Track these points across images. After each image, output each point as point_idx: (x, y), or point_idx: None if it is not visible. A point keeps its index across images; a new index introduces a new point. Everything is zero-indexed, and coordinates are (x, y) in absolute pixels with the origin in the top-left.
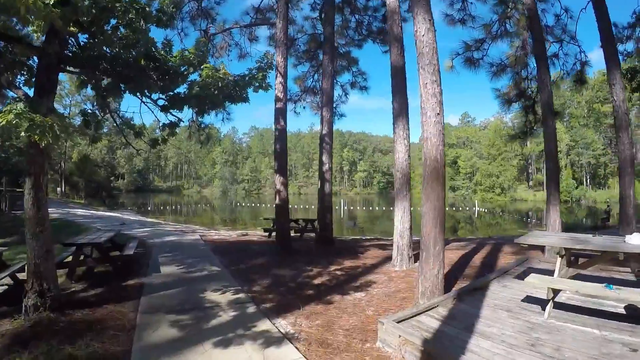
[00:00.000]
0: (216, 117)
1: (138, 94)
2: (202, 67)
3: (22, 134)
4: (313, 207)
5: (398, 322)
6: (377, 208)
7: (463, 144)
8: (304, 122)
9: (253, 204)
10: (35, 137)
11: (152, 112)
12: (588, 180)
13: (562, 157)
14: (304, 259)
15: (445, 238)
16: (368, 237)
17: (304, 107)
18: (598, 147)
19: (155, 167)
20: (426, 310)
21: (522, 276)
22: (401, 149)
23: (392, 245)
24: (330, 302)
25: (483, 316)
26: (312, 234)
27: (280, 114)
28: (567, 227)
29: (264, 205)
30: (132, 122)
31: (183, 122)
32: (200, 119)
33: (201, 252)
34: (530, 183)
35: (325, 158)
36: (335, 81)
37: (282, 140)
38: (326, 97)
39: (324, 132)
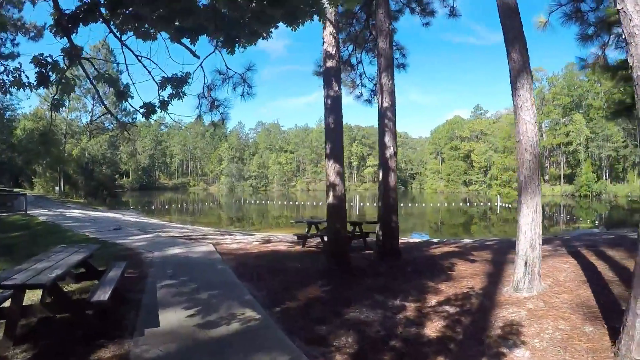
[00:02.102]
0: (234, 92)
1: None
2: None
3: None
4: (321, 203)
5: None
6: (402, 204)
7: (476, 137)
8: (311, 116)
9: (261, 202)
10: None
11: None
12: (607, 174)
13: (581, 150)
14: (376, 284)
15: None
16: (419, 241)
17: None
18: (618, 140)
19: (161, 164)
20: None
21: None
22: (529, 118)
23: (470, 252)
24: None
25: None
26: (354, 241)
27: (332, 76)
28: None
29: (271, 202)
30: (113, 77)
31: (188, 93)
32: (212, 97)
33: (220, 277)
34: (546, 177)
35: (388, 140)
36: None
37: (336, 111)
38: (385, 60)
39: (384, 105)
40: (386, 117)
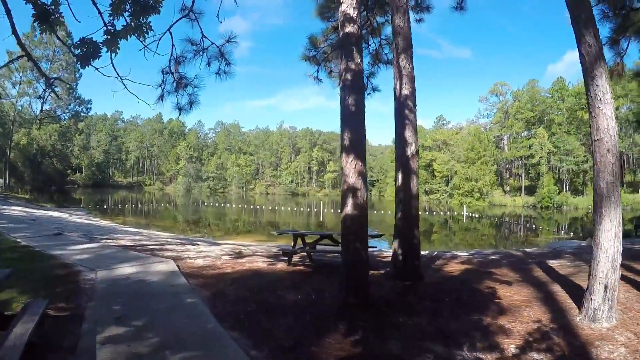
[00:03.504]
0: (208, 69)
1: None
2: None
3: None
4: (283, 208)
5: None
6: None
7: (438, 147)
8: (272, 118)
9: (219, 204)
10: None
11: None
12: (567, 187)
13: (543, 163)
14: (419, 326)
15: None
16: (427, 252)
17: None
18: (579, 154)
19: (116, 160)
20: None
21: None
22: (609, 113)
23: (488, 270)
24: None
25: None
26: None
27: (352, 45)
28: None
29: (230, 205)
30: None
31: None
32: (180, 73)
33: (193, 320)
34: (507, 188)
35: (409, 135)
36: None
37: (357, 90)
38: (403, 40)
39: (404, 92)
40: (406, 107)
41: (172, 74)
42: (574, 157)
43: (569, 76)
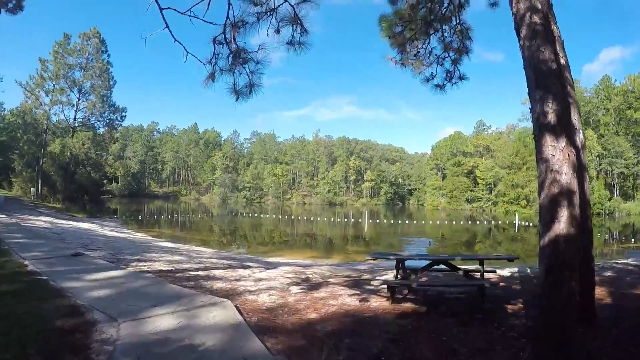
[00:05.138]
0: (277, 36)
1: None
2: None
3: None
4: (319, 219)
5: None
6: (400, 221)
7: (479, 153)
8: (307, 128)
9: (256, 215)
10: None
11: None
12: (618, 191)
13: (592, 167)
14: None
15: None
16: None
17: None
18: (630, 156)
19: (152, 171)
20: None
21: None
22: None
23: None
24: None
25: None
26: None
27: None
28: None
29: (268, 215)
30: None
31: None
32: (238, 45)
33: None
34: None
35: (575, 118)
36: None
37: (550, 39)
38: None
39: (561, 61)
40: (566, 80)
41: (228, 44)
42: (624, 160)
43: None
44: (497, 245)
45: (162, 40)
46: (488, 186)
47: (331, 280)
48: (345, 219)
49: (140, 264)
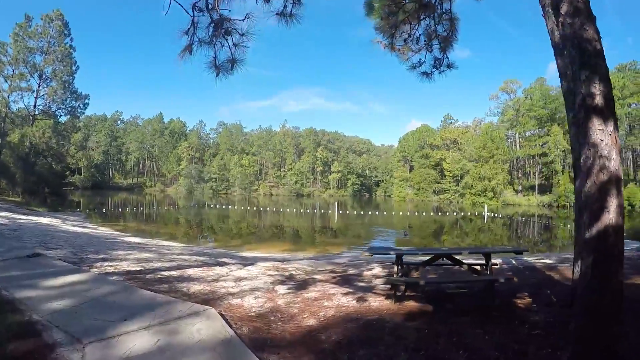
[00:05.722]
0: (267, 5)
1: None
2: None
3: None
4: (288, 210)
5: None
6: (369, 212)
7: (447, 146)
8: (273, 118)
9: (223, 206)
10: None
11: None
12: None
13: (558, 161)
14: None
15: None
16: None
17: None
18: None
19: (116, 162)
20: None
21: None
22: None
23: None
24: None
25: None
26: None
27: None
28: None
29: (235, 207)
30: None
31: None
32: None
33: None
34: (518, 187)
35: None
36: None
37: (592, 17)
38: None
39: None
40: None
41: (209, 11)
42: None
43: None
44: (465, 236)
45: (125, 25)
46: (455, 178)
47: (317, 277)
48: (314, 210)
49: (106, 264)
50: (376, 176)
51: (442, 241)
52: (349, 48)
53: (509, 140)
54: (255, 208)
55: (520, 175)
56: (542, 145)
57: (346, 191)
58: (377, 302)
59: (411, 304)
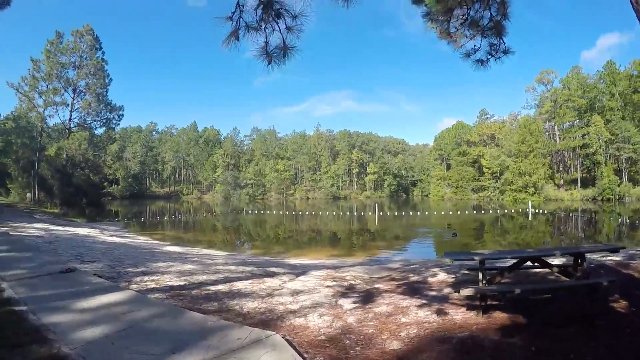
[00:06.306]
0: None
1: None
2: None
3: None
4: (327, 213)
5: None
6: (411, 212)
7: (484, 142)
8: (307, 123)
9: (261, 212)
10: None
11: None
12: (626, 177)
13: (600, 153)
14: None
15: None
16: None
17: None
18: (638, 141)
19: (152, 171)
20: None
21: None
22: None
23: None
24: None
25: None
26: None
27: None
28: None
29: (272, 212)
30: None
31: None
32: None
33: None
34: (561, 182)
35: None
36: None
37: None
38: None
39: None
40: None
41: None
42: (632, 145)
43: (605, 60)
44: (508, 234)
45: (157, 37)
46: (494, 175)
47: (379, 286)
48: (354, 213)
49: (146, 278)
50: (412, 176)
51: (483, 241)
52: (374, 50)
53: (547, 133)
54: (292, 213)
55: (561, 168)
56: (582, 137)
57: (383, 192)
58: (459, 315)
59: (499, 315)
